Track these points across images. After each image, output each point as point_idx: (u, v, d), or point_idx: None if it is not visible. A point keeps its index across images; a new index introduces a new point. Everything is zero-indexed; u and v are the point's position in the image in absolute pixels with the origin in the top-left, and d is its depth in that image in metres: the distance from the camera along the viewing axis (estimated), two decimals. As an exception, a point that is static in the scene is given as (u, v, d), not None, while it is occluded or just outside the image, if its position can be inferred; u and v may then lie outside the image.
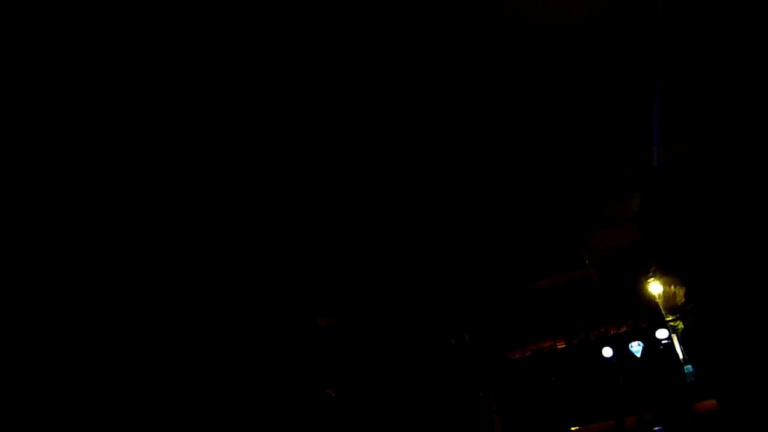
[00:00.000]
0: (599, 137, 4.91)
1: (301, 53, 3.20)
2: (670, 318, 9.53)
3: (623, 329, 10.03)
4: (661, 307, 9.52)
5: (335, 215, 5.21)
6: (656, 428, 8.43)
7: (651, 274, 8.43)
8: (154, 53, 2.94)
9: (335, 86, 3.56)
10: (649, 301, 9.56)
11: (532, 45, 3.59)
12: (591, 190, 5.95)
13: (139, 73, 3.02)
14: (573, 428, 9.69)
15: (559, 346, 10.33)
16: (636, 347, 9.77)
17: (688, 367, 8.94)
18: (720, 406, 1.68)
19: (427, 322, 8.07)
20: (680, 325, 9.23)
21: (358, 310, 7.61)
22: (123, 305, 4.37)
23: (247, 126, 3.70)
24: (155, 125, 3.45)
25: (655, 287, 8.97)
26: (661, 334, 9.59)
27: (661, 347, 9.61)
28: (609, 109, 4.53)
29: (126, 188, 3.83)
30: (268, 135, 3.84)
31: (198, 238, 4.71)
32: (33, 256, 3.87)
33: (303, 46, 3.15)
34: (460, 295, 7.68)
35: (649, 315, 9.78)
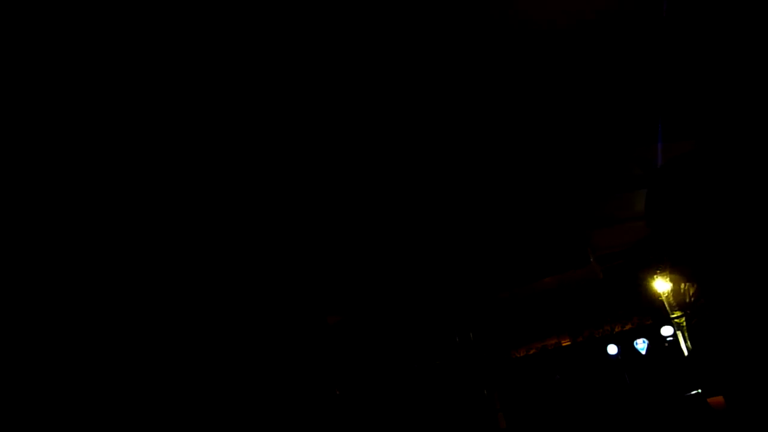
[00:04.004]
0: (604, 135, 4.91)
1: (302, 53, 3.21)
2: (675, 315, 9.51)
3: (628, 327, 10.02)
4: (666, 305, 9.51)
5: (343, 213, 5.22)
6: None
7: (659, 271, 8.42)
8: (154, 53, 2.95)
9: (338, 87, 3.56)
10: (653, 299, 9.55)
11: (537, 44, 3.59)
12: (596, 188, 5.95)
13: (139, 73, 3.03)
14: (578, 426, 9.68)
15: (563, 344, 10.32)
16: (641, 345, 9.76)
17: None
18: (728, 402, 1.70)
19: (431, 320, 8.08)
20: (683, 321, 9.21)
21: (362, 308, 7.62)
22: (134, 304, 4.39)
23: (254, 128, 3.71)
24: (156, 125, 3.46)
25: (660, 285, 8.96)
26: (666, 331, 9.57)
27: (666, 345, 9.60)
28: (614, 108, 4.53)
29: (134, 189, 3.85)
30: (276, 138, 3.86)
31: (216, 243, 4.75)
32: (33, 256, 3.89)
33: (304, 47, 3.16)
34: (465, 293, 7.69)
35: (654, 312, 9.76)
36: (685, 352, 9.20)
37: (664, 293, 9.24)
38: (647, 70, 4.05)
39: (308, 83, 3.47)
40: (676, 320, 9.50)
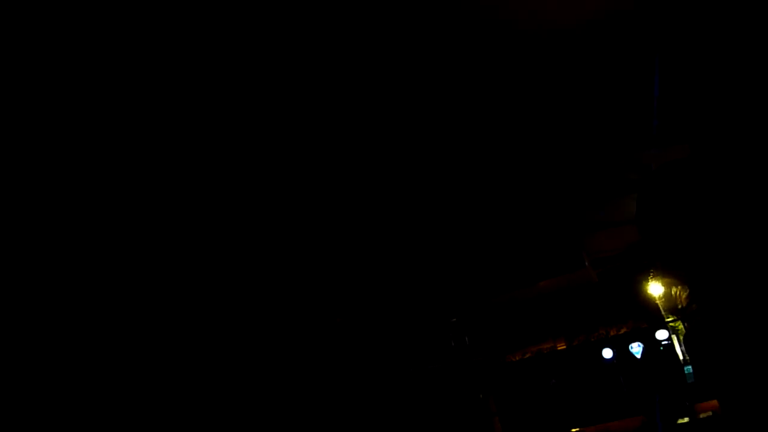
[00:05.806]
0: (599, 140, 4.92)
1: (299, 56, 3.20)
2: (670, 319, 9.53)
3: (623, 330, 10.03)
4: (661, 308, 9.53)
5: (339, 217, 5.21)
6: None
7: (651, 275, 8.43)
8: (155, 53, 2.93)
9: (335, 89, 3.55)
10: (648, 302, 9.57)
11: (534, 48, 3.59)
12: (591, 192, 5.96)
13: (140, 73, 3.02)
14: (573, 430, 9.68)
15: (559, 348, 10.31)
16: (636, 348, 9.77)
17: (689, 368, 8.94)
18: (722, 406, 1.69)
19: (427, 324, 8.07)
20: (680, 325, 9.22)
21: (358, 312, 7.61)
22: (140, 305, 4.37)
23: (258, 132, 3.70)
24: (160, 127, 3.45)
25: (655, 288, 8.97)
26: (661, 335, 9.58)
27: (662, 348, 9.61)
28: (609, 112, 4.54)
29: (140, 191, 3.82)
30: (280, 146, 3.85)
31: (222, 249, 4.75)
32: (33, 256, 3.86)
33: (302, 49, 3.15)
34: (460, 297, 7.69)
35: (649, 316, 9.78)
36: (681, 357, 9.22)
37: (659, 297, 9.26)
38: (642, 74, 4.06)
39: (307, 86, 3.46)
40: (671, 324, 9.52)
